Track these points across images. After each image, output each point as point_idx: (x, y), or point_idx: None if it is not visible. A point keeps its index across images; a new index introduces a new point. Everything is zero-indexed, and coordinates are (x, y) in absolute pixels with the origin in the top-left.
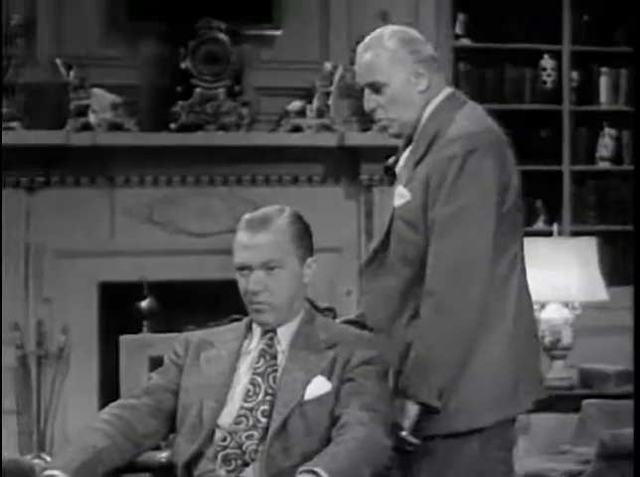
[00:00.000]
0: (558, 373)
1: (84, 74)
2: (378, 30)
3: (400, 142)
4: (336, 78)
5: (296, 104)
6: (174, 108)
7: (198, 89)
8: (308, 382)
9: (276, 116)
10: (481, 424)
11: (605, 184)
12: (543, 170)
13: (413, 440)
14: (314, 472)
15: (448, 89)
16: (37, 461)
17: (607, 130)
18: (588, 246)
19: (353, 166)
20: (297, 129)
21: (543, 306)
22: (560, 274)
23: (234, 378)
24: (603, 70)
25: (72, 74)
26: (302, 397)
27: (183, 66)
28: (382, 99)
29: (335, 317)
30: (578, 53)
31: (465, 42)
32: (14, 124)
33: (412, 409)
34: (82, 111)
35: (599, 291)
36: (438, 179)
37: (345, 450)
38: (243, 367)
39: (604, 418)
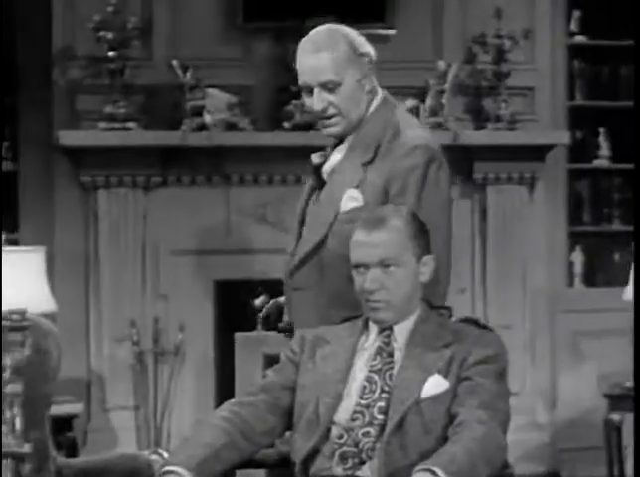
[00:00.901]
0: None
1: (200, 74)
2: (321, 29)
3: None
4: (450, 76)
5: (410, 103)
6: (288, 108)
7: None
8: (425, 380)
9: None
10: None
11: None
12: None
13: None
14: (432, 471)
15: (383, 92)
16: (154, 457)
17: None
18: None
19: (467, 165)
20: None
21: None
22: None
23: (349, 374)
24: None
25: (187, 74)
26: (419, 395)
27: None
28: (334, 99)
29: (451, 315)
30: None
31: (580, 39)
32: (131, 125)
33: None
34: (198, 112)
35: None
36: (401, 187)
37: (463, 450)
38: (359, 363)
39: None
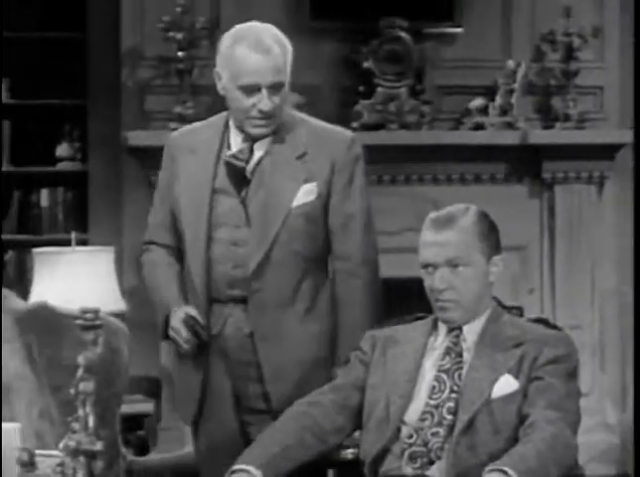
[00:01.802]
0: None
1: None
2: (260, 27)
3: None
4: (519, 75)
5: (478, 102)
6: (356, 108)
7: (380, 89)
8: (495, 380)
9: (458, 114)
10: None
11: None
12: None
13: None
14: (503, 471)
15: None
16: None
17: None
18: None
19: (535, 164)
20: (479, 127)
21: None
22: None
23: (419, 374)
24: None
25: None
26: (489, 395)
27: (365, 65)
28: (277, 100)
29: (522, 315)
30: None
31: None
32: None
33: None
34: None
35: None
36: (347, 178)
37: (534, 450)
38: (428, 363)
39: None
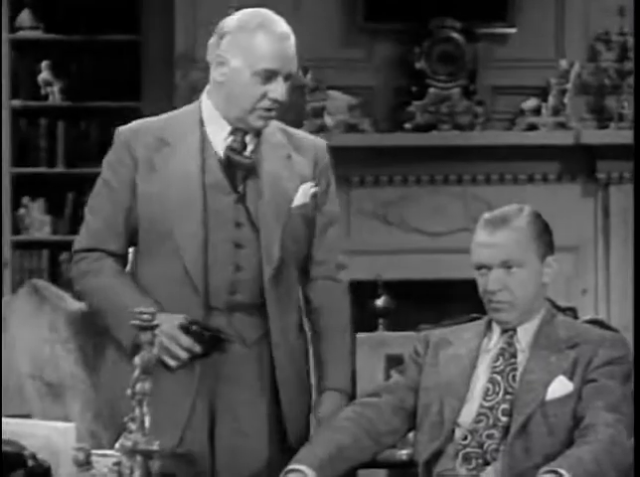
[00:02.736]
0: None
1: (321, 76)
2: (271, 13)
3: None
4: (572, 75)
5: (531, 103)
6: (409, 108)
7: (432, 89)
8: (549, 382)
9: (511, 115)
10: None
11: None
12: None
13: None
14: (558, 473)
15: None
16: None
17: None
18: None
19: (589, 164)
20: (532, 128)
21: None
22: None
23: (473, 376)
24: None
25: (308, 76)
26: (544, 397)
27: (417, 66)
28: (287, 91)
29: (576, 317)
30: None
31: None
32: None
33: None
34: (319, 113)
35: None
36: (326, 183)
37: (590, 452)
38: (483, 365)
39: None
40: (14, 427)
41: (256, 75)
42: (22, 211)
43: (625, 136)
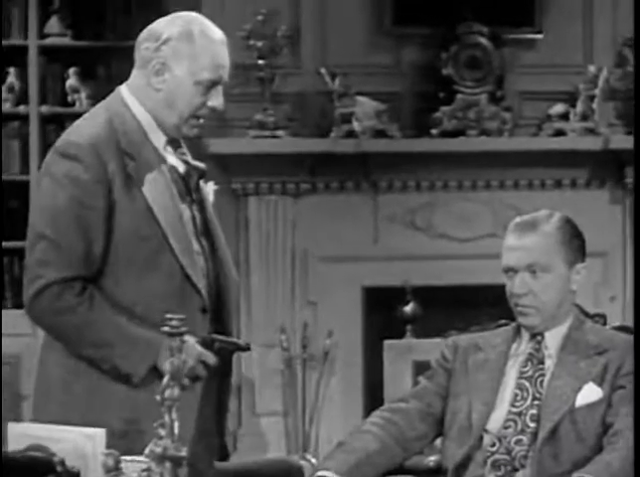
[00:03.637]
0: None
1: (349, 81)
2: (205, 19)
3: None
4: (600, 80)
5: (559, 108)
6: (436, 114)
7: (460, 95)
8: (579, 388)
9: (538, 121)
10: None
11: None
12: None
13: None
14: None
15: None
16: (303, 462)
17: None
18: None
19: (618, 170)
20: (560, 133)
21: None
22: None
23: (502, 382)
24: None
25: (336, 82)
26: (573, 403)
27: (445, 71)
28: None
29: (605, 323)
30: None
31: None
32: (281, 132)
33: None
34: (347, 119)
35: None
36: None
37: (619, 459)
38: (512, 371)
39: None
40: (43, 433)
41: (199, 84)
42: None
43: None
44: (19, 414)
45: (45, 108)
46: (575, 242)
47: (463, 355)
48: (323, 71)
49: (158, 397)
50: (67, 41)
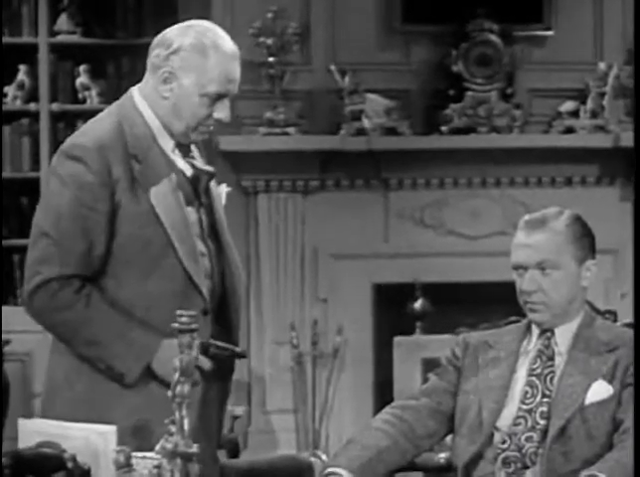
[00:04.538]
0: None
1: (358, 79)
2: (219, 29)
3: None
4: (611, 77)
5: (569, 105)
6: (446, 111)
7: (470, 92)
8: (589, 386)
9: (548, 118)
10: None
11: None
12: None
13: None
14: None
15: None
16: (313, 459)
17: None
18: None
19: (628, 167)
20: (570, 130)
21: None
22: None
23: (512, 379)
24: None
25: (346, 79)
26: (583, 401)
27: (455, 68)
28: None
29: (616, 320)
30: None
31: None
32: (291, 130)
33: None
34: (357, 116)
35: None
36: None
37: (630, 457)
38: (522, 368)
39: None
40: (54, 429)
41: (205, 96)
42: None
43: None
44: (31, 412)
45: (55, 106)
46: (585, 240)
47: (473, 352)
48: (333, 68)
49: (169, 394)
50: (77, 38)
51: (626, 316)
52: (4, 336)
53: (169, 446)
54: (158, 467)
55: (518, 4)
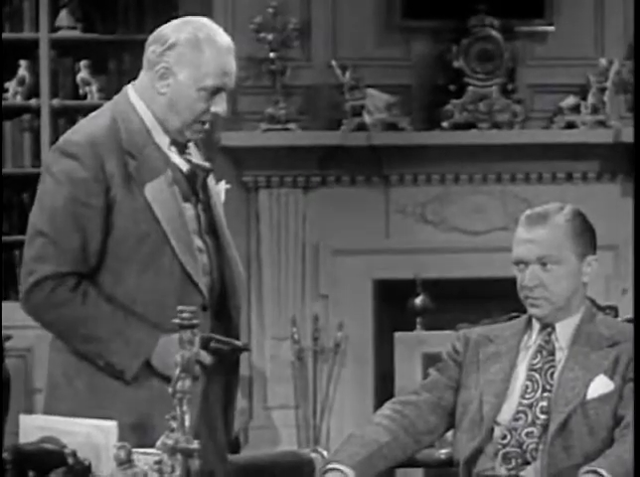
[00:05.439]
0: None
1: (359, 74)
2: (214, 25)
3: None
4: (612, 73)
5: (570, 101)
6: (447, 107)
7: (471, 88)
8: (590, 380)
9: (549, 113)
10: None
11: None
12: None
13: None
14: (599, 473)
15: None
16: (314, 455)
17: None
18: None
19: (629, 162)
20: (571, 126)
21: None
22: None
23: (513, 374)
24: None
25: (347, 75)
26: (584, 396)
27: (456, 64)
28: None
29: (617, 315)
30: None
31: None
32: (292, 125)
33: None
34: (358, 112)
35: None
36: None
37: (631, 452)
38: (522, 363)
39: None
40: (55, 425)
41: (202, 90)
42: None
43: None
44: (32, 407)
45: (56, 101)
46: (586, 235)
47: (474, 347)
48: (334, 63)
49: (170, 390)
50: (77, 34)
51: (627, 312)
52: (5, 331)
53: (170, 442)
54: (159, 463)
55: (519, 0)
